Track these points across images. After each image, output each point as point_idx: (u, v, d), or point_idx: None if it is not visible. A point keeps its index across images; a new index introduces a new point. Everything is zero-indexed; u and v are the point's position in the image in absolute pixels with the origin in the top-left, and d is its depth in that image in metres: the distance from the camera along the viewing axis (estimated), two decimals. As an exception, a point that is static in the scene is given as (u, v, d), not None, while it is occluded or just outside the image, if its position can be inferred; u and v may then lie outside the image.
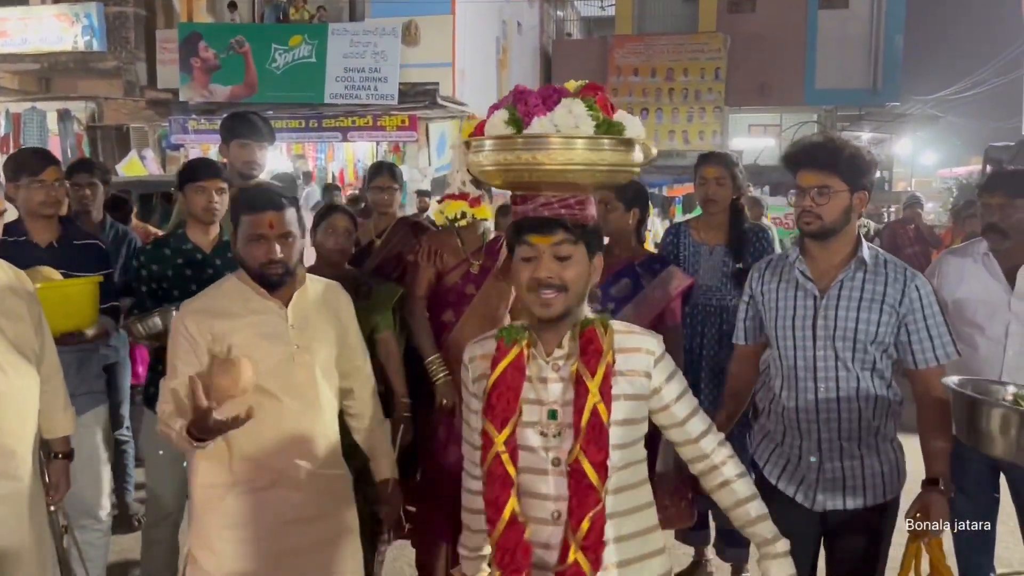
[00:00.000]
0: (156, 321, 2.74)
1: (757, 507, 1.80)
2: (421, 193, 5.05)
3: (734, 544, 3.47)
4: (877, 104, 15.52)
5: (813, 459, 2.30)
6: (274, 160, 3.46)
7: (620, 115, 1.74)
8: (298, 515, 2.19)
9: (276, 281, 2.16)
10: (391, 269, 3.43)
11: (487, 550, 1.85)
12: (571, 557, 1.64)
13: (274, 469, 2.16)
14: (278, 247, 2.14)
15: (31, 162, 2.99)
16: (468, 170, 2.00)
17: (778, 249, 3.94)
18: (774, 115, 16.76)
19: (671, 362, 1.80)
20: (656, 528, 1.80)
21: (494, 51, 13.18)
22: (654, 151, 1.79)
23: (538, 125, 1.68)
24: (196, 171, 3.03)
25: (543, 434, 1.71)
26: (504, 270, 2.94)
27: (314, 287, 2.31)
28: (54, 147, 11.43)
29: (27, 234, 2.96)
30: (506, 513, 1.69)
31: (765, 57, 14.83)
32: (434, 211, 3.49)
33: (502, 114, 1.73)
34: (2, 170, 3.32)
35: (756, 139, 16.72)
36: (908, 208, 9.25)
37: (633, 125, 1.74)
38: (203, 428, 1.96)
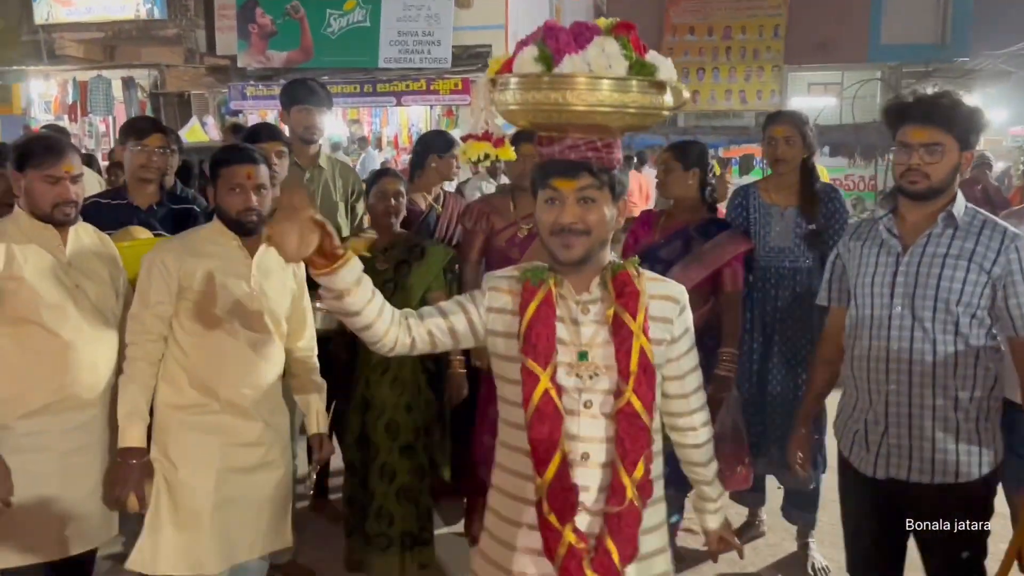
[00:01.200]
0: None
1: (712, 468, 1.92)
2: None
3: (801, 507, 3.43)
4: (945, 60, 14.86)
5: (879, 423, 2.20)
6: (330, 125, 3.51)
7: (651, 55, 1.67)
8: (245, 440, 2.40)
9: (251, 228, 2.37)
10: (449, 236, 3.53)
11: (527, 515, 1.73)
12: (628, 496, 1.64)
13: (223, 398, 2.36)
14: (254, 197, 2.35)
15: (139, 127, 3.20)
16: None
17: (850, 210, 3.81)
18: (835, 73, 16.22)
19: (690, 314, 1.81)
20: (665, 524, 1.82)
21: (547, 11, 12.97)
22: (686, 94, 1.73)
23: (569, 64, 1.61)
24: (257, 135, 3.13)
25: (577, 375, 1.70)
26: None
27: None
28: (120, 115, 11.72)
29: (128, 197, 3.11)
30: (558, 456, 1.65)
31: (827, 12, 14.31)
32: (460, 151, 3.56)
33: (531, 50, 1.65)
34: (118, 134, 3.51)
35: (816, 98, 16.20)
36: (976, 168, 8.84)
37: (665, 66, 1.67)
38: None
